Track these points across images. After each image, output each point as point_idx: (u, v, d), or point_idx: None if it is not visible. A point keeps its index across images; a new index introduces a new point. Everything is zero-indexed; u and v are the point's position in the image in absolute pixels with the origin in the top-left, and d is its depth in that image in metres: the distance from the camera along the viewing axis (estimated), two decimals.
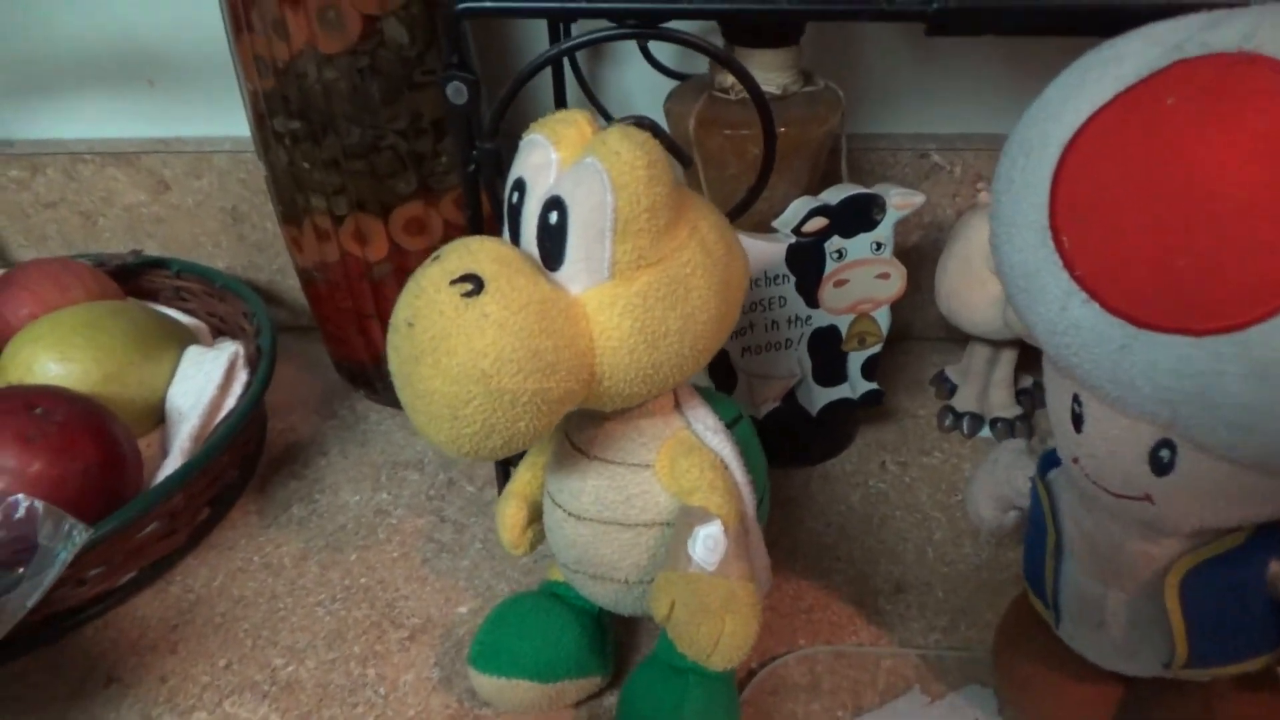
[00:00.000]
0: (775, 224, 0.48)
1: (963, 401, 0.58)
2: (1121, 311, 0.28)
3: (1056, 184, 0.29)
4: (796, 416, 0.53)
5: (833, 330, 0.50)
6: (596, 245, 0.32)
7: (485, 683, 0.40)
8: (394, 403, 0.61)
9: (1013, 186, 0.31)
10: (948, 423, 0.58)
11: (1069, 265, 0.29)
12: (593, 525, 0.37)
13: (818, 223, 0.48)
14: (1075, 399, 0.32)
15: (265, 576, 0.50)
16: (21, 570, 0.38)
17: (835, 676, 0.43)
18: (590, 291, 0.32)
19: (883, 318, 0.51)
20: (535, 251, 0.33)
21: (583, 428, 0.38)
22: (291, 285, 0.69)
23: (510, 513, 0.41)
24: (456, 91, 0.37)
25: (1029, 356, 0.57)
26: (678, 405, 0.38)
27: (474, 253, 0.31)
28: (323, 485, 0.56)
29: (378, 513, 0.54)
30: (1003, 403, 0.57)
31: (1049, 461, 0.38)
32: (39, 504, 0.40)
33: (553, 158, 0.33)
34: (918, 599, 0.47)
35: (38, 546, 0.40)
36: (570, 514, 0.38)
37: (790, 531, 0.51)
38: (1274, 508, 0.30)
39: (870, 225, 0.48)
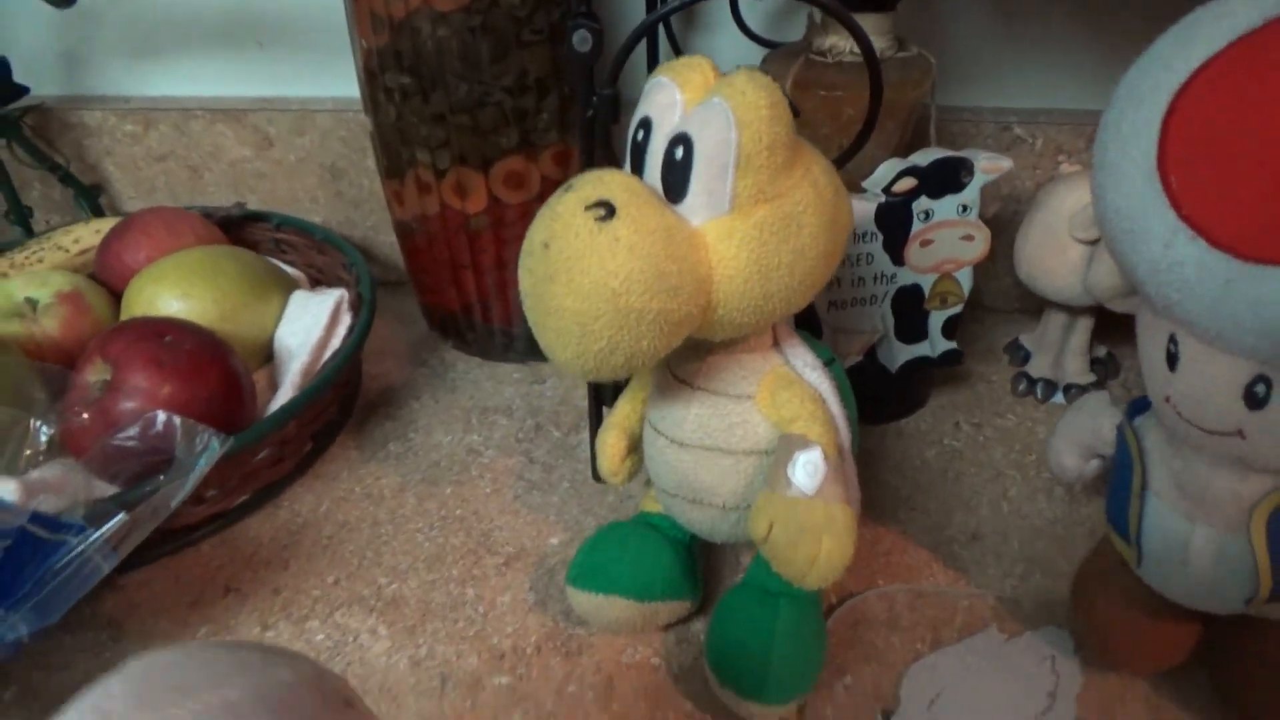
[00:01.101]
0: (865, 184, 0.50)
1: (1037, 368, 0.60)
2: (1227, 246, 0.29)
3: (1166, 129, 0.31)
4: (876, 373, 0.54)
5: (916, 289, 0.52)
6: (719, 180, 0.34)
7: (583, 599, 0.42)
8: (482, 353, 0.65)
9: (1120, 134, 0.32)
10: (1022, 388, 0.59)
11: (1175, 205, 0.30)
12: (695, 451, 0.40)
13: (907, 183, 0.49)
14: (1171, 339, 0.33)
15: (366, 505, 0.53)
16: (161, 478, 0.41)
17: (913, 614, 0.45)
18: (710, 223, 0.34)
19: (965, 279, 0.53)
20: (659, 185, 0.35)
21: (687, 361, 0.40)
22: (384, 241, 0.72)
23: (611, 442, 0.43)
24: (582, 39, 0.39)
25: (1104, 326, 0.58)
26: (777, 343, 0.40)
27: (606, 182, 0.34)
28: (416, 426, 0.59)
29: (469, 452, 0.57)
30: (1078, 370, 0.59)
31: (1136, 407, 0.39)
32: (176, 418, 0.43)
33: (678, 98, 0.35)
34: (993, 548, 0.49)
35: (174, 459, 0.43)
36: (673, 441, 0.40)
37: (866, 483, 0.53)
38: None
39: (957, 188, 0.50)
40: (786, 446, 0.37)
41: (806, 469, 0.37)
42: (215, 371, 0.49)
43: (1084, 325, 0.58)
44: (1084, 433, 0.41)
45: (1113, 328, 0.58)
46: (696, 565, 0.45)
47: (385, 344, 0.67)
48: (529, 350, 0.64)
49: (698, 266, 0.34)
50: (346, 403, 0.60)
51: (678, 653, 0.44)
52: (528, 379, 0.63)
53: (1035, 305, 0.62)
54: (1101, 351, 0.60)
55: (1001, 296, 0.67)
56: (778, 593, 0.39)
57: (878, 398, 0.57)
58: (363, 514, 0.52)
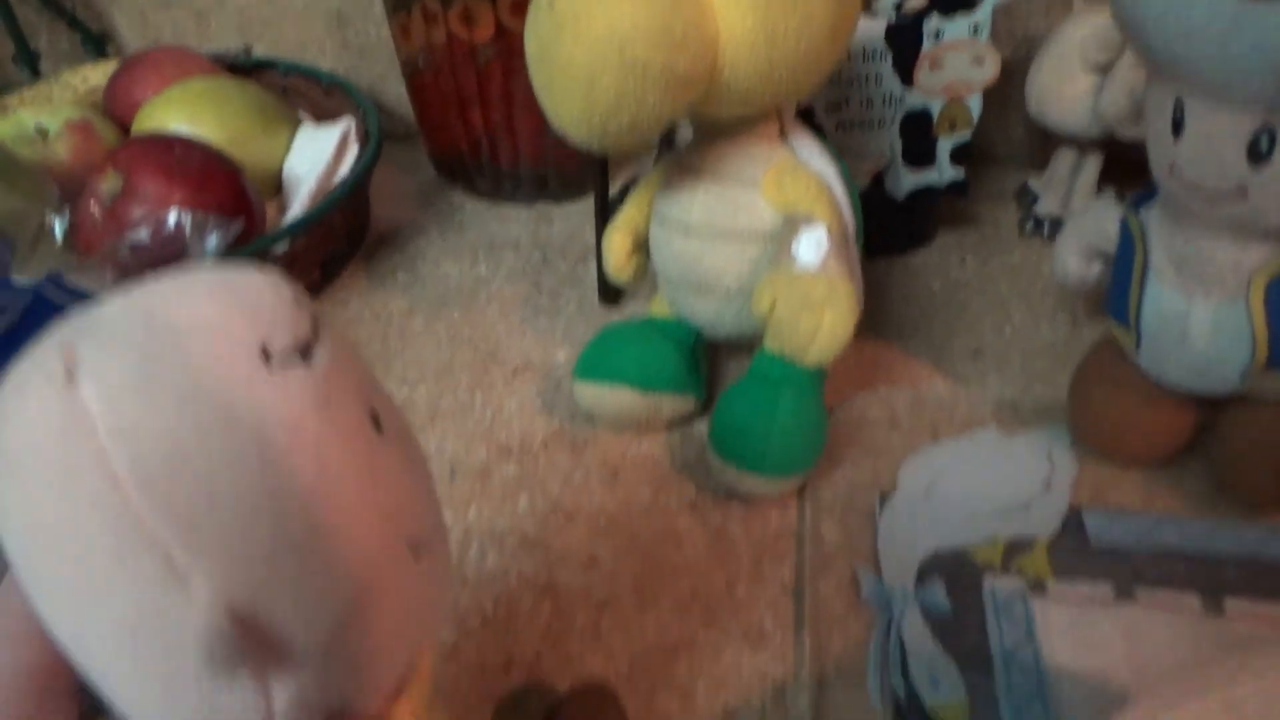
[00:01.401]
0: (875, 2, 0.49)
1: (1045, 207, 0.59)
2: None
3: None
4: (883, 203, 0.54)
5: (925, 114, 0.52)
6: None
7: (588, 391, 0.43)
8: (490, 195, 0.65)
9: None
10: (1029, 228, 0.59)
11: None
12: (700, 238, 0.40)
13: (918, 1, 0.49)
14: (1177, 105, 0.33)
15: (375, 325, 0.54)
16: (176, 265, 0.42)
17: (913, 415, 0.46)
18: None
19: (975, 105, 0.52)
20: None
21: (695, 150, 0.40)
22: (392, 91, 0.72)
23: (617, 240, 0.44)
24: None
25: (1111, 169, 0.58)
26: (783, 134, 0.40)
27: None
28: (424, 259, 0.59)
29: (477, 281, 0.57)
30: (1085, 208, 0.59)
31: (1140, 200, 0.39)
32: (186, 214, 0.44)
33: None
34: (995, 364, 0.49)
35: (185, 250, 0.43)
36: (680, 229, 0.40)
37: (870, 309, 0.53)
38: None
39: (970, 5, 0.49)
40: (791, 225, 0.38)
41: (810, 244, 0.37)
42: (224, 183, 0.49)
43: (1093, 162, 0.58)
44: (1089, 233, 0.42)
45: (1121, 167, 0.57)
46: (701, 364, 0.46)
47: (393, 190, 0.67)
48: (536, 192, 0.64)
49: (704, 26, 0.34)
50: (354, 236, 0.60)
51: (681, 448, 0.45)
52: (536, 218, 0.63)
53: (1045, 156, 0.62)
54: (1109, 192, 0.60)
55: (1012, 146, 0.67)
56: (780, 380, 0.40)
57: (884, 229, 0.57)
58: (371, 333, 0.53)
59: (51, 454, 0.15)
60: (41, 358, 0.15)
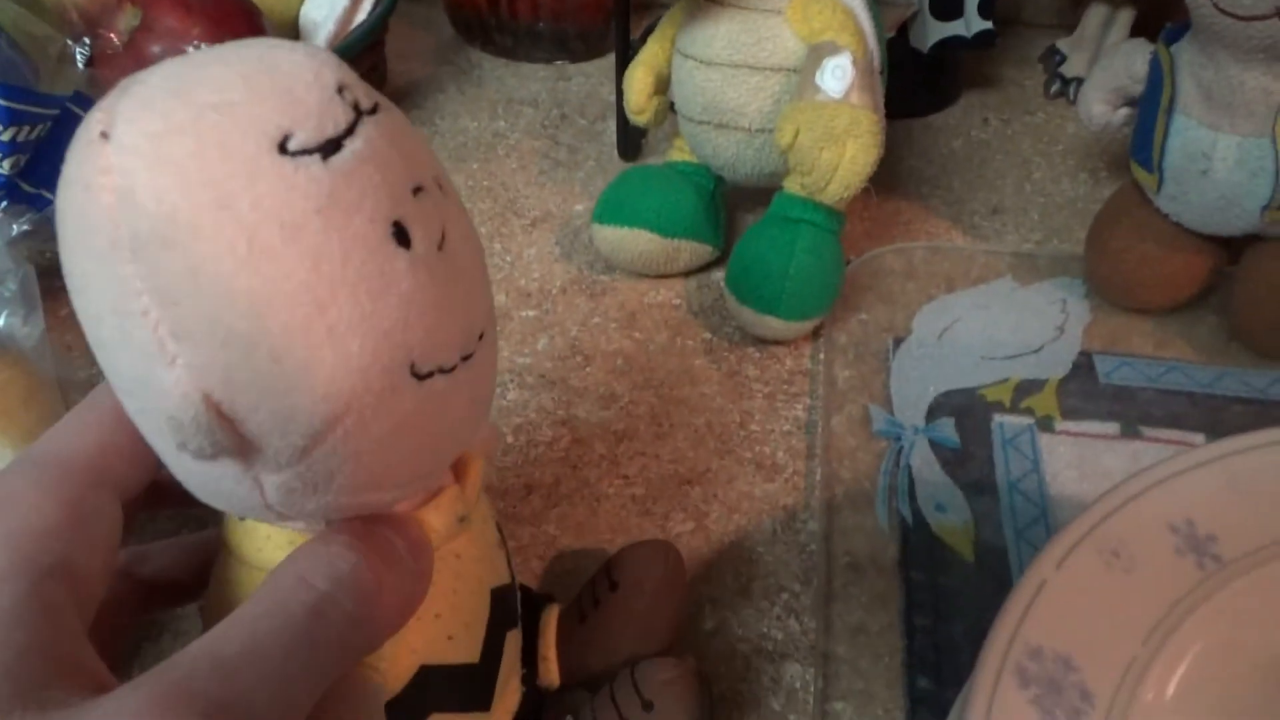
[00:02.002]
0: None
1: (1072, 68, 0.58)
2: None
3: None
4: (907, 57, 0.53)
5: None
6: None
7: (608, 234, 0.43)
8: (509, 53, 0.64)
9: None
10: (1055, 88, 0.58)
11: None
12: (722, 70, 0.40)
13: None
14: None
15: None
16: None
17: (930, 266, 0.46)
18: None
19: None
20: None
21: None
22: None
23: (639, 76, 0.44)
24: None
25: (1142, 25, 0.57)
26: None
27: None
28: (442, 113, 0.59)
29: (495, 135, 0.57)
30: None
31: (1171, 35, 0.39)
32: (205, 46, 0.43)
33: None
34: (1014, 219, 0.49)
35: None
36: (702, 61, 0.40)
37: (890, 166, 0.53)
38: None
39: None
40: (816, 55, 0.37)
41: (835, 73, 0.37)
42: (243, 22, 0.49)
43: (1124, 19, 0.56)
44: (1117, 74, 0.41)
45: (1151, 28, 0.56)
46: (720, 214, 0.46)
47: (411, 47, 0.66)
48: (556, 49, 0.63)
49: None
50: None
51: (698, 295, 0.45)
52: (554, 76, 0.62)
53: (1074, 20, 0.60)
54: None
55: (1041, 11, 0.65)
56: (799, 220, 0.40)
57: (908, 88, 0.56)
58: None
59: (76, 208, 0.15)
60: (92, 114, 0.15)
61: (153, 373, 0.15)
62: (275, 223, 0.15)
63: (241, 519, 0.20)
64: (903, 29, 0.53)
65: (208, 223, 0.14)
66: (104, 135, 0.15)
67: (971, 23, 0.53)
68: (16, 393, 0.28)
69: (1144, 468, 0.22)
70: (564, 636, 0.28)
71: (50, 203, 0.37)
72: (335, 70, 0.16)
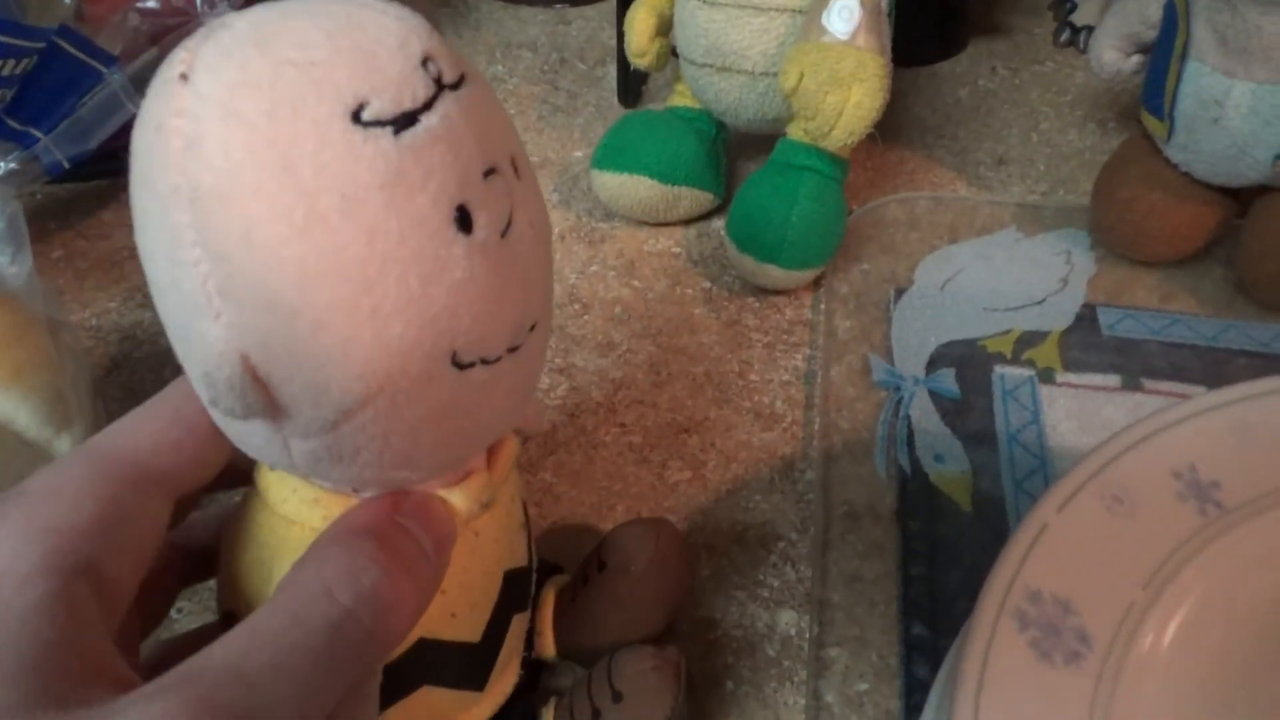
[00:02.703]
0: None
1: (1083, 16, 0.57)
2: None
3: None
4: (916, 2, 0.52)
5: None
6: None
7: (608, 180, 0.43)
8: None
9: None
10: (1065, 37, 0.57)
11: None
12: (726, 10, 0.39)
13: None
14: None
15: None
16: (187, 30, 0.41)
17: (933, 216, 0.45)
18: None
19: None
20: None
21: None
22: None
23: (641, 18, 0.43)
24: None
25: None
26: None
27: None
28: None
29: (493, 80, 0.56)
30: None
31: None
32: None
33: None
34: (1019, 170, 0.48)
35: (197, 23, 0.42)
36: (705, 2, 0.39)
37: (895, 115, 0.52)
38: None
39: None
40: None
41: (841, 14, 0.36)
42: None
43: None
44: (1129, 20, 0.40)
45: None
46: (721, 161, 0.45)
47: None
48: None
49: None
50: None
51: (698, 244, 0.45)
52: (554, 20, 0.61)
53: None
54: None
55: None
56: (802, 167, 0.40)
57: (915, 35, 0.55)
58: None
59: (145, 145, 0.15)
60: (176, 52, 0.15)
61: (197, 324, 0.15)
62: (335, 194, 0.14)
63: (272, 468, 0.19)
64: None
65: (269, 184, 0.14)
66: (183, 77, 0.14)
67: None
68: (4, 330, 0.28)
69: (1148, 413, 0.21)
70: (559, 612, 0.28)
71: (37, 140, 0.37)
72: (424, 39, 0.15)
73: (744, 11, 0.38)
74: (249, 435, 0.17)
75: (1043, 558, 0.19)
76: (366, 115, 0.14)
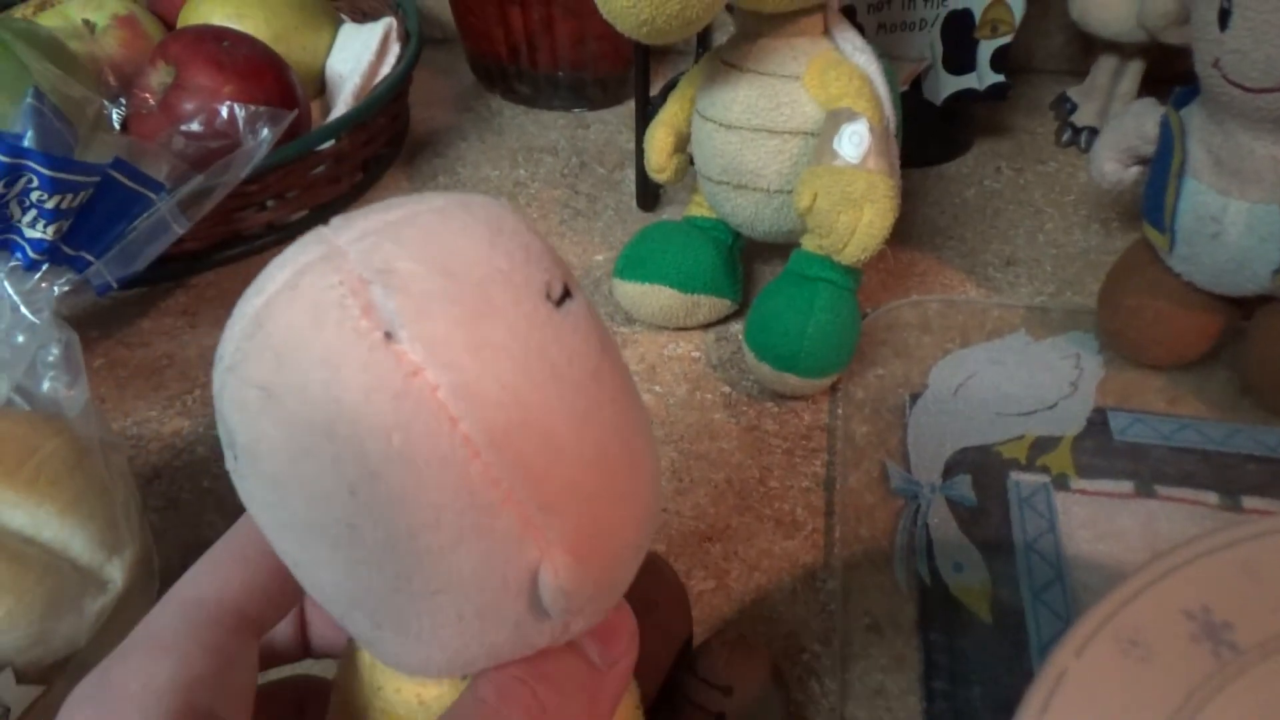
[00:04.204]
0: None
1: (1083, 117, 0.59)
2: None
3: None
4: (921, 108, 0.54)
5: (966, 15, 0.52)
6: None
7: (629, 289, 0.44)
8: (529, 101, 0.65)
9: None
10: (1066, 137, 0.59)
11: None
12: (741, 133, 0.41)
13: None
14: None
15: None
16: (231, 157, 0.43)
17: (945, 320, 0.47)
18: None
19: (1017, 6, 0.52)
20: None
21: (738, 45, 0.41)
22: None
23: (660, 136, 0.45)
24: None
25: (1152, 80, 0.58)
26: (827, 30, 0.41)
27: None
28: (464, 162, 0.60)
29: (516, 184, 0.58)
30: None
31: (1182, 99, 0.39)
32: (239, 106, 0.45)
33: None
34: (1027, 271, 0.50)
35: (239, 144, 0.44)
36: (721, 124, 0.41)
37: (905, 217, 0.53)
38: None
39: None
40: (833, 121, 0.38)
41: (852, 139, 0.38)
42: (272, 77, 0.50)
43: (1134, 70, 0.57)
44: (1128, 134, 0.42)
45: (1161, 82, 0.57)
46: (738, 268, 0.47)
47: (432, 94, 0.67)
48: (574, 97, 0.64)
49: None
50: (396, 139, 0.61)
51: (717, 348, 0.46)
52: (573, 124, 0.63)
53: (1085, 67, 0.61)
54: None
55: (1052, 57, 0.66)
56: (816, 278, 0.41)
57: (921, 137, 0.57)
58: None
59: (384, 417, 0.14)
60: (331, 312, 0.14)
61: (509, 558, 0.15)
62: (582, 370, 0.15)
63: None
64: (916, 81, 0.54)
65: (551, 390, 0.15)
66: (389, 335, 0.14)
67: (984, 76, 0.53)
68: (64, 460, 0.29)
69: (1160, 553, 0.22)
70: None
71: (89, 264, 0.39)
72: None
73: (758, 134, 0.40)
74: (537, 639, 0.17)
75: (1063, 705, 0.19)
76: (555, 295, 0.16)
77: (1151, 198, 0.40)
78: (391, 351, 0.14)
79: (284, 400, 0.14)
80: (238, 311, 0.16)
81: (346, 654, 0.21)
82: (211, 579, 0.19)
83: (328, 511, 0.15)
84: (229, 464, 0.16)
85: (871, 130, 0.37)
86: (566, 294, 0.16)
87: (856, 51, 0.40)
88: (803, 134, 0.40)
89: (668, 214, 0.55)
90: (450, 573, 0.15)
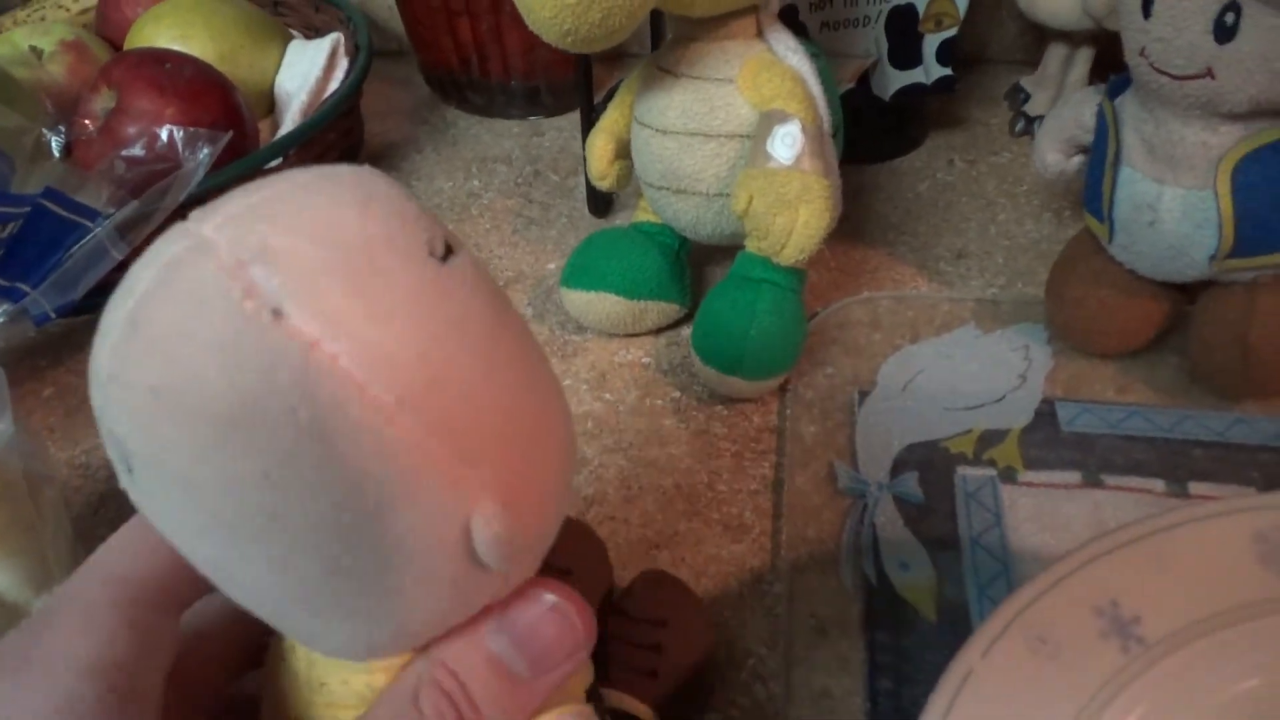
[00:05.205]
0: None
1: (1036, 106, 0.59)
2: None
3: None
4: (870, 104, 0.54)
5: (910, 10, 0.51)
6: None
7: (575, 298, 0.44)
8: (483, 110, 0.65)
9: None
10: (1019, 128, 0.59)
11: None
12: (678, 138, 0.40)
13: None
14: None
15: None
16: (170, 180, 0.43)
17: (895, 316, 0.46)
18: None
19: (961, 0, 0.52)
20: None
21: (672, 50, 0.40)
22: (380, 4, 0.72)
23: (600, 144, 0.44)
24: None
25: (1105, 64, 0.58)
26: (760, 32, 0.40)
27: None
28: (418, 175, 0.60)
29: (470, 195, 0.58)
30: None
31: (1116, 88, 0.39)
32: (179, 129, 0.45)
33: None
34: (978, 263, 0.50)
35: (180, 166, 0.44)
36: (658, 130, 0.41)
37: (857, 214, 0.54)
38: None
39: None
40: (766, 123, 0.38)
41: (785, 141, 0.37)
42: (216, 98, 0.50)
43: (1084, 57, 0.57)
44: (1067, 124, 0.42)
45: (1111, 64, 0.57)
46: (685, 272, 0.46)
47: (386, 105, 0.67)
48: (528, 105, 0.64)
49: None
50: (349, 153, 0.61)
51: (667, 353, 0.46)
52: (527, 132, 0.63)
53: (1037, 56, 0.61)
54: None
55: (1005, 48, 0.66)
56: (759, 280, 0.41)
57: (872, 133, 0.57)
58: None
59: (288, 395, 0.14)
60: (213, 299, 0.14)
61: (447, 513, 0.15)
62: (479, 323, 0.16)
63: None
64: (864, 77, 0.54)
65: (455, 346, 0.15)
66: (275, 311, 0.14)
67: (931, 70, 0.53)
68: None
69: (1072, 550, 0.22)
70: None
71: (25, 294, 0.38)
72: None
73: (695, 139, 0.40)
74: (482, 591, 0.17)
75: (968, 705, 0.19)
76: (438, 252, 0.16)
77: (1091, 187, 0.40)
78: (283, 328, 0.14)
79: (178, 397, 0.14)
80: (106, 321, 0.15)
81: (272, 661, 0.20)
82: (132, 553, 0.18)
83: (244, 504, 0.14)
84: (123, 481, 0.16)
85: (805, 131, 0.37)
86: (449, 250, 0.16)
87: (790, 52, 0.40)
88: (739, 137, 0.40)
89: (620, 219, 0.55)
90: (384, 542, 0.15)
